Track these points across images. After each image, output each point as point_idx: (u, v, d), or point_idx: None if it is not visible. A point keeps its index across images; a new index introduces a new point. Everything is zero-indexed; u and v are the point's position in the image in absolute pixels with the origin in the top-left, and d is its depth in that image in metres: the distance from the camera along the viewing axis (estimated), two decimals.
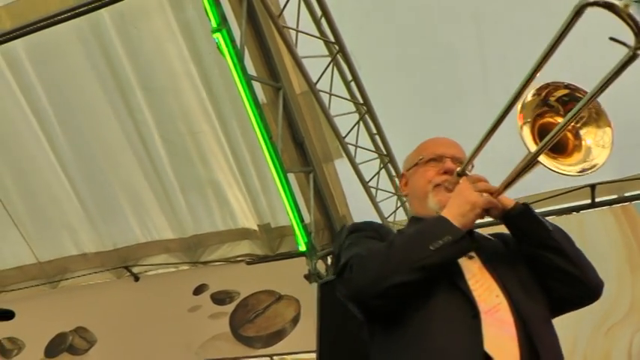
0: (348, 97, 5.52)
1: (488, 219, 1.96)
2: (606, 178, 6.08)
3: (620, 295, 5.68)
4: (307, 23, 5.11)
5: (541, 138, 1.74)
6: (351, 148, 5.66)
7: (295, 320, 6.91)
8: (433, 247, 1.74)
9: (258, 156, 6.00)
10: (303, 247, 5.80)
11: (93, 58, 6.26)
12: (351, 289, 1.84)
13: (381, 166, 6.02)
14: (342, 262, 1.91)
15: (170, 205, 7.32)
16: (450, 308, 1.77)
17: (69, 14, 5.40)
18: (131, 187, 7.22)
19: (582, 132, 1.81)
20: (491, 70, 5.57)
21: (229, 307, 7.36)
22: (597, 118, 1.80)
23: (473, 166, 2.14)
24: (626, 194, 6.27)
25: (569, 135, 1.82)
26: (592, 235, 6.09)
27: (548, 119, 1.78)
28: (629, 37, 1.42)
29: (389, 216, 6.28)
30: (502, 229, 2.04)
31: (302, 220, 5.72)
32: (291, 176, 5.89)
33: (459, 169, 2.06)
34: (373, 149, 5.88)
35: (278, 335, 6.96)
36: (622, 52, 1.46)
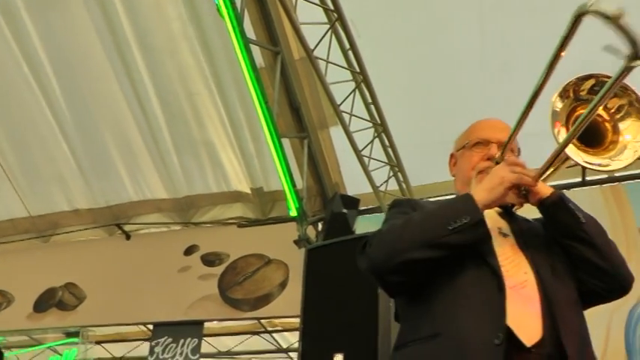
0: (345, 66, 5.51)
1: None
2: None
3: None
4: None
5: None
6: (346, 117, 5.66)
7: (283, 285, 6.97)
8: (451, 227, 1.74)
9: (254, 120, 6.01)
10: (294, 213, 5.84)
11: (92, 14, 6.22)
12: (367, 264, 1.85)
13: (375, 135, 6.03)
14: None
15: (164, 165, 7.33)
16: (477, 283, 1.76)
17: None
18: (126, 145, 7.22)
19: (622, 125, 1.79)
20: (489, 42, 5.57)
21: (219, 269, 7.41)
22: (636, 106, 1.78)
23: (520, 152, 2.15)
24: (617, 174, 6.32)
25: (608, 127, 1.81)
26: None
27: (582, 111, 1.77)
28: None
29: (381, 185, 6.31)
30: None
31: (294, 186, 5.75)
32: (285, 141, 5.90)
33: (497, 155, 2.04)
34: (368, 118, 5.89)
35: (265, 299, 7.03)
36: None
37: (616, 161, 1.77)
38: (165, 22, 6.16)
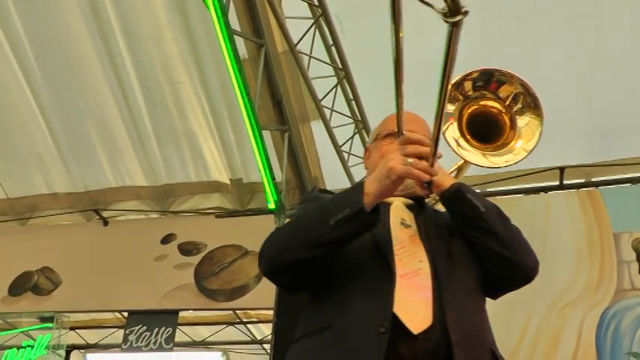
0: (328, 61, 5.52)
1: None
2: (576, 162, 6.21)
3: (577, 276, 5.83)
4: None
5: (471, 127, 1.76)
6: (327, 112, 5.68)
7: (259, 277, 6.97)
8: (333, 222, 1.68)
9: (236, 110, 6.00)
10: (272, 205, 5.86)
11: None
12: (261, 266, 1.83)
13: (355, 131, 6.06)
14: None
15: (144, 152, 7.30)
16: (369, 275, 1.74)
17: None
18: (107, 130, 7.17)
19: (520, 123, 1.82)
20: (471, 43, 5.60)
21: (195, 259, 7.42)
22: (535, 108, 1.81)
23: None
24: (594, 179, 6.40)
25: (506, 120, 1.83)
26: (557, 216, 6.23)
27: (473, 107, 1.79)
28: None
29: None
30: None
31: (273, 178, 5.76)
32: (266, 134, 5.91)
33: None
34: (349, 114, 5.91)
35: (241, 290, 7.04)
36: None
37: (495, 158, 1.80)
38: (150, 8, 6.12)
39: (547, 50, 5.38)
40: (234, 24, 5.22)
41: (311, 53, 5.33)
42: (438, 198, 1.92)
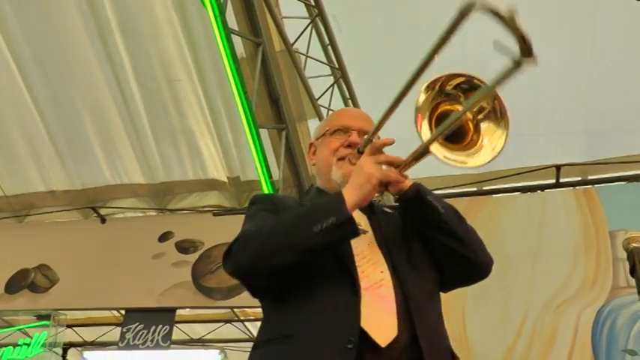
0: (325, 61, 5.54)
1: None
2: (572, 161, 6.23)
3: (573, 274, 5.86)
4: None
5: (438, 124, 1.74)
6: (324, 111, 5.70)
7: None
8: (317, 229, 1.68)
9: (233, 109, 6.00)
10: None
11: None
12: (232, 268, 1.81)
13: None
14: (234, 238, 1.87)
15: (142, 149, 7.31)
16: (332, 286, 1.75)
17: None
18: (104, 127, 7.18)
19: (483, 126, 1.80)
20: (470, 43, 5.62)
21: (193, 257, 7.41)
22: (500, 117, 1.78)
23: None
24: (590, 177, 6.43)
25: (470, 126, 1.81)
26: (553, 214, 6.25)
27: (446, 107, 1.77)
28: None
29: None
30: None
31: (270, 176, 5.78)
32: (264, 132, 5.93)
33: (359, 146, 2.00)
34: None
35: (238, 288, 7.01)
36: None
37: (474, 159, 1.77)
38: (148, 8, 6.13)
39: (543, 50, 5.39)
40: (232, 23, 5.23)
41: (307, 53, 5.35)
42: (394, 197, 1.93)
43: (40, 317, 7.98)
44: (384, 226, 1.96)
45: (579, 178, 6.45)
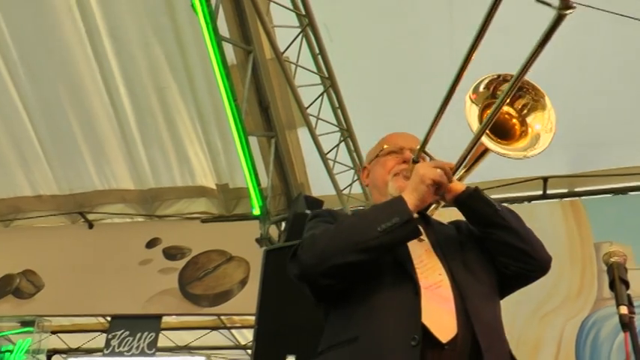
0: (315, 70, 5.56)
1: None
2: (559, 173, 6.28)
3: (558, 285, 5.89)
4: None
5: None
6: (313, 120, 5.71)
7: (243, 282, 6.99)
8: (381, 229, 1.77)
9: (222, 116, 6.00)
10: (257, 211, 5.87)
11: None
12: (299, 268, 1.86)
13: (341, 139, 6.09)
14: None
15: (130, 155, 7.28)
16: (394, 287, 1.81)
17: None
18: (93, 132, 7.14)
19: (529, 119, 1.93)
20: (458, 54, 5.65)
21: (180, 263, 7.41)
22: (539, 101, 1.93)
23: (431, 158, 2.20)
24: (576, 189, 6.48)
25: (516, 122, 1.94)
26: (540, 225, 6.23)
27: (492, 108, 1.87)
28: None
29: (344, 188, 6.36)
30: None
31: (259, 184, 5.77)
32: (253, 140, 5.93)
33: (413, 156, 2.13)
34: (335, 123, 5.94)
35: (225, 295, 7.03)
36: None
37: (534, 149, 1.89)
38: (138, 15, 6.12)
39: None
40: (223, 30, 5.23)
41: (298, 61, 5.36)
42: (450, 203, 2.01)
43: (24, 323, 7.94)
44: (439, 235, 2.05)
45: (566, 190, 6.50)
